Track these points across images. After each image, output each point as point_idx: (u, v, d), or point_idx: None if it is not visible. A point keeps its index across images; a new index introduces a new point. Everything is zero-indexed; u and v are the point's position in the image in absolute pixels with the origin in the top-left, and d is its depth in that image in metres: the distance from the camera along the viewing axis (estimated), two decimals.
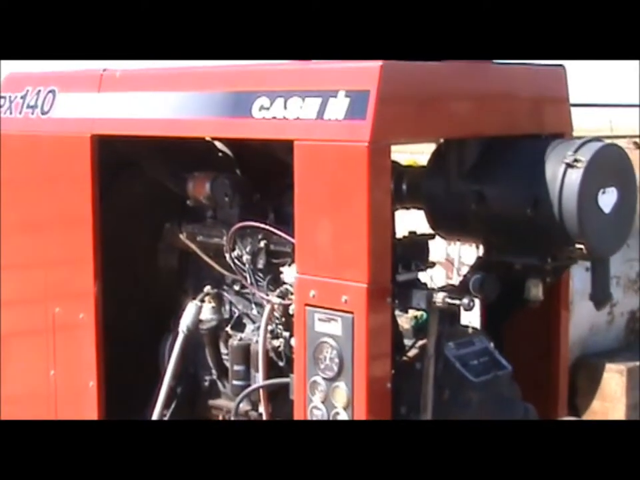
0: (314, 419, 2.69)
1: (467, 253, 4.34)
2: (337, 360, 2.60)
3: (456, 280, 4.18)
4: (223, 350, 3.32)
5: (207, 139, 3.51)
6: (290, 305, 2.98)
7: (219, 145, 3.58)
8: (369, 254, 2.53)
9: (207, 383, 3.41)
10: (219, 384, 3.38)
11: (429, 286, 2.96)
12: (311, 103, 2.65)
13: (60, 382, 3.50)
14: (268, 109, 2.76)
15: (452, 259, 4.30)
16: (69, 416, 3.47)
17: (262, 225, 3.10)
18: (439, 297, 2.69)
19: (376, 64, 2.54)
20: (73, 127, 3.33)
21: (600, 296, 3.00)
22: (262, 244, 3.15)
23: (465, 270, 4.49)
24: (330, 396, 2.63)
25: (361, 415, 2.58)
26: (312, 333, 2.67)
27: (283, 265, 3.09)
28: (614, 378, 4.52)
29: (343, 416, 2.61)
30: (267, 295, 3.08)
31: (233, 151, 3.43)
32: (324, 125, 2.60)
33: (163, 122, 3.08)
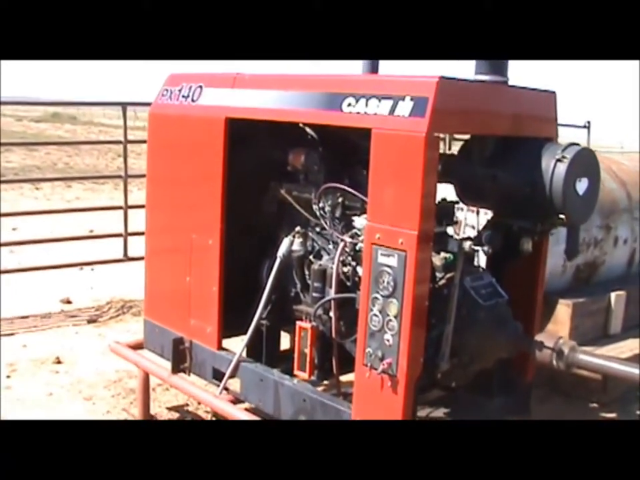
0: (373, 324, 2.65)
1: (470, 217, 4.26)
2: (392, 283, 2.56)
3: (462, 234, 4.10)
4: (306, 272, 3.29)
5: (301, 125, 3.45)
6: (357, 243, 2.95)
7: (308, 130, 3.51)
8: (421, 211, 2.48)
9: (292, 294, 3.38)
10: (301, 295, 3.35)
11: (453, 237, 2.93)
12: (385, 104, 2.58)
13: (193, 285, 3.50)
14: (354, 105, 2.70)
15: (460, 220, 4.22)
16: (198, 308, 3.48)
17: (341, 186, 3.04)
18: (467, 245, 2.66)
19: (434, 79, 2.47)
20: (213, 111, 3.28)
21: (572, 251, 2.96)
22: (339, 200, 3.10)
23: (468, 229, 4.45)
24: (385, 308, 2.60)
25: (406, 322, 2.54)
26: (375, 264, 2.62)
27: (354, 215, 3.04)
28: (563, 309, 4.46)
29: (394, 322, 2.57)
30: (342, 235, 3.04)
31: (319, 135, 3.35)
32: (394, 119, 2.53)
33: (277, 111, 3.03)
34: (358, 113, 2.67)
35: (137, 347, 4.04)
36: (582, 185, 2.76)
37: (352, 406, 2.79)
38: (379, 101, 2.60)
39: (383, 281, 2.60)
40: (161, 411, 4.18)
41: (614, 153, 7.95)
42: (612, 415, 4.21)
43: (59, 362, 4.83)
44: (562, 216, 2.79)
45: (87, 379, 4.59)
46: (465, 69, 2.99)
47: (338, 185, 3.03)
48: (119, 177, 6.66)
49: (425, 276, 2.58)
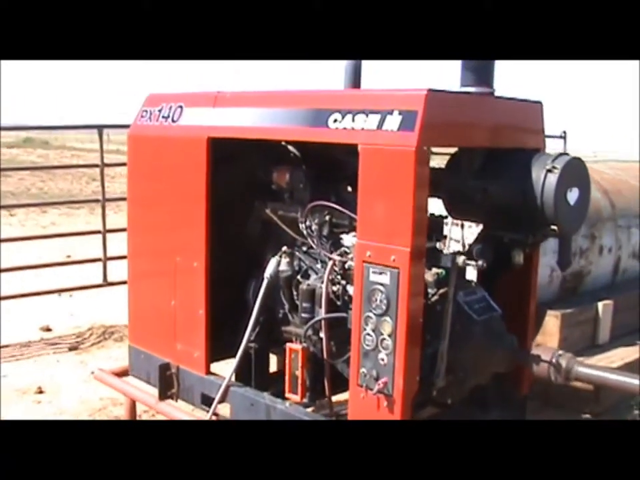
0: (366, 343, 2.59)
1: (455, 231, 4.24)
2: (385, 301, 2.51)
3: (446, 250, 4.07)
4: (294, 293, 3.22)
5: (283, 143, 3.41)
6: (346, 261, 2.90)
7: (291, 148, 3.47)
8: (413, 227, 2.44)
9: (280, 315, 3.32)
10: (289, 316, 3.29)
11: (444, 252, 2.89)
12: (373, 118, 2.53)
13: (178, 309, 3.42)
14: (340, 121, 2.65)
15: (445, 234, 4.20)
16: (184, 332, 3.40)
17: (328, 204, 2.99)
18: (460, 260, 2.61)
19: (422, 92, 2.43)
20: (195, 131, 3.22)
21: (565, 261, 2.93)
22: (327, 218, 3.04)
23: (453, 243, 4.42)
24: (379, 326, 2.54)
25: (401, 340, 2.48)
26: (367, 282, 2.57)
27: (342, 233, 2.99)
28: (552, 320, 4.43)
29: (388, 341, 2.51)
30: (330, 254, 2.98)
31: (303, 152, 3.31)
32: (382, 134, 2.49)
33: (262, 129, 2.97)
34: (345, 128, 2.63)
35: (122, 373, 3.95)
36: (573, 195, 2.73)
37: None
38: (366, 115, 2.56)
39: (376, 299, 2.54)
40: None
41: (589, 162, 7.99)
42: None
43: (40, 392, 4.73)
44: (554, 227, 2.76)
45: (71, 408, 4.49)
46: (452, 73, 2.95)
47: (325, 203, 2.98)
48: (96, 200, 6.57)
49: (419, 293, 2.54)
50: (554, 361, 2.65)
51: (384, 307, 2.52)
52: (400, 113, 2.46)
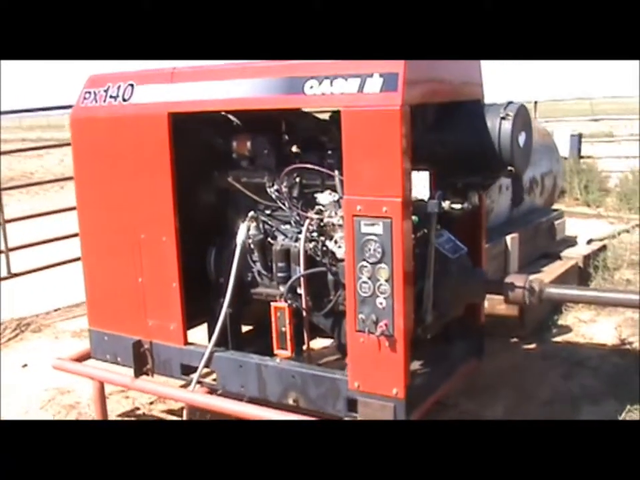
0: (363, 290, 2.80)
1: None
2: (380, 249, 2.73)
3: None
4: (262, 254, 3.37)
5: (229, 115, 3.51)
6: (322, 218, 3.09)
7: (235, 117, 3.57)
8: (402, 179, 2.67)
9: (249, 278, 3.46)
10: (258, 278, 3.43)
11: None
12: (352, 82, 2.72)
13: (147, 285, 3.47)
14: (317, 87, 2.81)
15: None
16: (157, 307, 3.47)
17: (309, 166, 3.11)
18: (446, 204, 2.87)
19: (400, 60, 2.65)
20: (152, 108, 3.25)
21: (517, 198, 3.28)
22: (297, 180, 3.20)
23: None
24: (375, 274, 2.76)
25: (399, 284, 2.72)
26: (359, 234, 2.77)
27: (313, 194, 3.17)
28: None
29: (385, 286, 2.74)
30: (305, 213, 3.16)
31: (257, 120, 3.42)
32: (364, 96, 2.68)
33: (233, 100, 3.06)
34: (323, 94, 2.79)
35: (80, 359, 3.94)
36: (522, 138, 3.06)
37: (348, 372, 2.95)
38: (345, 80, 2.74)
39: (369, 249, 2.76)
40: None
41: None
42: (531, 346, 4.66)
43: None
44: (510, 167, 3.07)
45: (17, 403, 4.39)
46: None
47: (304, 165, 3.12)
48: None
49: (409, 239, 2.78)
50: (527, 285, 3.00)
51: (378, 255, 2.74)
52: (381, 76, 2.66)
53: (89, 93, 3.50)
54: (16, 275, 6.25)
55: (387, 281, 2.75)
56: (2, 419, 4.15)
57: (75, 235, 5.84)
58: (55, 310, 6.19)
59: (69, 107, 3.89)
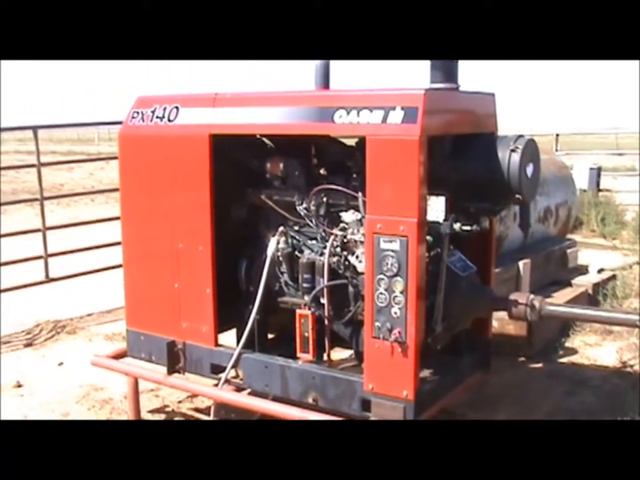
0: (380, 301, 3.10)
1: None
2: (396, 264, 3.03)
3: None
4: (289, 267, 3.69)
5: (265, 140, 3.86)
6: (346, 235, 3.41)
7: (267, 141, 3.92)
8: (418, 202, 2.99)
9: (276, 288, 3.77)
10: (285, 288, 3.74)
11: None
12: (377, 114, 3.05)
13: (183, 291, 3.80)
14: (345, 117, 3.14)
15: None
16: (191, 311, 3.80)
17: (335, 187, 3.42)
18: (457, 226, 3.19)
19: (420, 91, 2.97)
20: (195, 130, 3.61)
21: (525, 226, 3.57)
22: (324, 199, 3.52)
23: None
24: (391, 286, 3.07)
25: (412, 296, 3.01)
26: (378, 250, 3.08)
27: (338, 212, 3.49)
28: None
29: (400, 297, 3.03)
30: (331, 230, 3.48)
31: (288, 145, 3.75)
32: (387, 127, 3.01)
33: (269, 126, 3.42)
34: (350, 123, 3.13)
35: (116, 357, 4.27)
36: (530, 169, 3.36)
37: (364, 375, 3.25)
38: (371, 111, 3.07)
39: (387, 264, 3.07)
40: (146, 416, 4.42)
41: None
42: (538, 365, 4.93)
43: (19, 385, 4.92)
44: (518, 196, 3.37)
45: (55, 397, 4.73)
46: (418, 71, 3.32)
47: (331, 187, 3.44)
48: (35, 199, 6.69)
49: (423, 255, 3.09)
50: (529, 302, 3.30)
51: (395, 270, 3.05)
52: (402, 109, 2.99)
53: (137, 112, 3.86)
54: (54, 279, 6.63)
55: (401, 292, 3.05)
56: (42, 412, 4.50)
57: (112, 245, 6.30)
58: (89, 315, 6.56)
59: (103, 123, 4.20)
